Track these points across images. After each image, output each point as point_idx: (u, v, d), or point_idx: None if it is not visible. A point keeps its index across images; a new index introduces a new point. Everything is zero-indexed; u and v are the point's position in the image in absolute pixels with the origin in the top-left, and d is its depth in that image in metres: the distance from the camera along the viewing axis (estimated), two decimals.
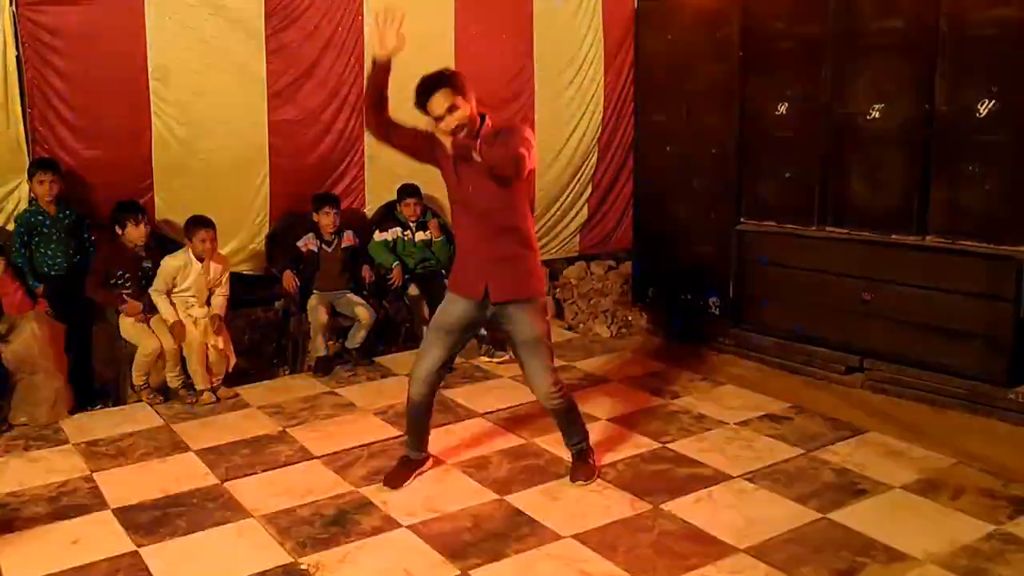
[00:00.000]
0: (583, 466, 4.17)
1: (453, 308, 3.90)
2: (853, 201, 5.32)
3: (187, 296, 5.28)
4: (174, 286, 5.25)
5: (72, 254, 5.24)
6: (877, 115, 5.15)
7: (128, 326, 5.22)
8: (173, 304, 5.26)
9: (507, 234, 3.78)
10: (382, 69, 3.68)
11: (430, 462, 4.27)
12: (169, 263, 5.20)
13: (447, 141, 3.63)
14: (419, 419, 4.11)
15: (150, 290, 5.21)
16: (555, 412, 4.04)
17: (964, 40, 4.75)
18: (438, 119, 3.60)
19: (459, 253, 3.95)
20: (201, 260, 5.25)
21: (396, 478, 4.13)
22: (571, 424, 4.12)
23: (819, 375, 5.50)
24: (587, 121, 7.00)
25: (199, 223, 5.22)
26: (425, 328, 5.73)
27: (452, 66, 6.24)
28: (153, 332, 5.20)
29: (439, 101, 3.58)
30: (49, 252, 5.15)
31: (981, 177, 4.76)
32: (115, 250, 5.25)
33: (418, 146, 3.86)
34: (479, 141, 3.61)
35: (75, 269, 5.26)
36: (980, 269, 4.77)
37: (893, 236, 5.14)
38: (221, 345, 5.29)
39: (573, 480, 4.13)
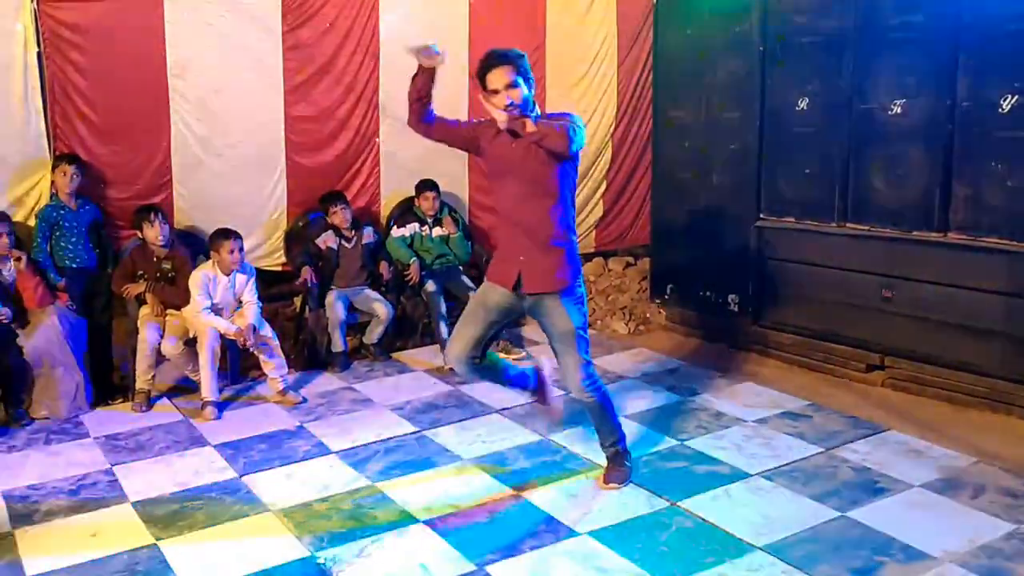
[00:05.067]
0: (617, 469, 4.09)
1: (491, 293, 3.85)
2: (874, 197, 5.28)
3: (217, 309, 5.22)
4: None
5: (92, 248, 5.28)
6: (899, 110, 5.10)
7: (144, 316, 5.23)
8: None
9: (545, 224, 3.73)
10: (426, 75, 3.68)
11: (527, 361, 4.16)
12: (197, 276, 5.12)
13: (500, 117, 3.58)
14: (491, 378, 4.05)
15: (200, 313, 5.06)
16: (589, 409, 3.99)
17: (986, 35, 4.69)
18: (494, 92, 3.59)
19: (499, 242, 3.93)
20: (227, 273, 5.20)
21: (542, 400, 4.16)
22: (604, 422, 4.04)
23: (839, 373, 5.46)
24: (600, 116, 6.98)
25: (225, 235, 5.16)
26: (443, 324, 5.78)
27: (466, 62, 6.33)
28: (161, 328, 5.19)
29: (500, 75, 3.59)
30: (69, 246, 5.19)
31: (1004, 173, 4.70)
32: (140, 250, 5.30)
33: (460, 135, 3.86)
34: (531, 117, 3.62)
35: (95, 263, 5.30)
36: (1002, 266, 4.72)
37: (914, 233, 5.09)
38: (271, 358, 5.26)
39: (606, 482, 4.05)
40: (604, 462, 4.19)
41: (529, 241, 3.74)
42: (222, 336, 5.13)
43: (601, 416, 4.02)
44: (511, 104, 3.58)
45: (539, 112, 3.74)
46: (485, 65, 3.62)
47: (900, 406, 4.98)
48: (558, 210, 3.74)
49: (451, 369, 5.59)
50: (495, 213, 3.91)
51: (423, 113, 3.76)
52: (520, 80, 3.61)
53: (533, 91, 3.69)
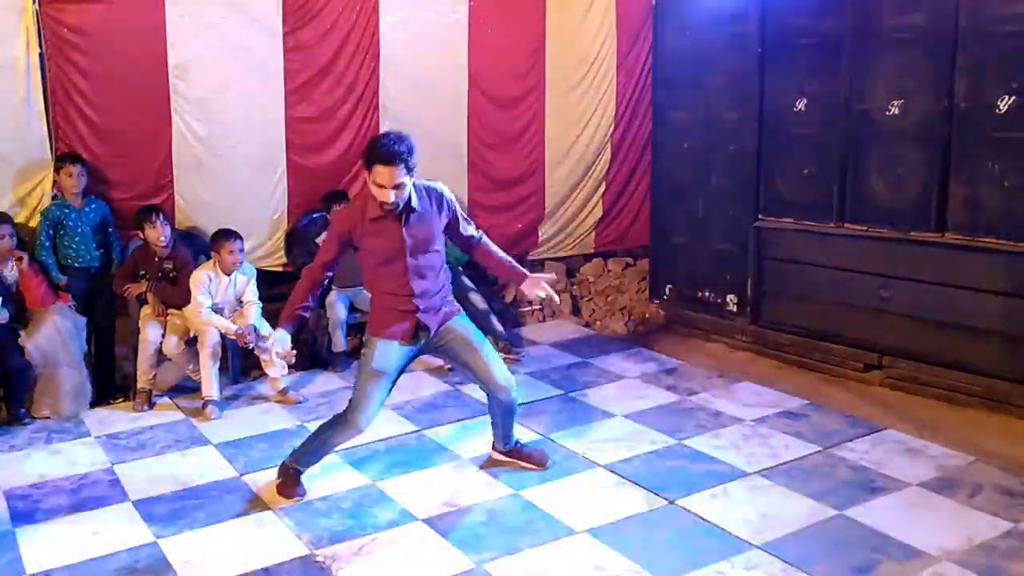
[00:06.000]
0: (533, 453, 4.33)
1: (389, 352, 3.89)
2: (872, 198, 5.29)
3: (217, 309, 5.24)
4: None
5: (96, 248, 5.31)
6: (896, 111, 5.11)
7: (145, 316, 5.25)
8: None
9: (437, 281, 3.92)
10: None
11: None
12: (199, 276, 5.15)
13: (380, 201, 3.68)
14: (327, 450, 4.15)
15: (202, 312, 5.10)
16: (509, 402, 4.12)
17: (984, 36, 4.71)
18: (379, 187, 3.63)
19: (383, 304, 3.92)
20: (228, 274, 5.22)
21: (289, 489, 4.08)
22: (512, 417, 4.25)
23: (837, 372, 5.48)
24: (599, 118, 7.00)
25: (226, 236, 5.18)
26: None
27: (465, 63, 6.35)
28: (162, 328, 5.21)
29: (387, 175, 3.59)
30: (73, 246, 5.21)
31: (1001, 174, 4.71)
32: (141, 250, 5.32)
33: (338, 255, 3.91)
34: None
35: (99, 263, 5.32)
36: (999, 266, 4.74)
37: (912, 233, 5.10)
38: (270, 357, 5.27)
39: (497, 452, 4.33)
40: (603, 461, 4.29)
41: (423, 300, 3.87)
42: (223, 336, 5.15)
43: (513, 417, 4.23)
44: (394, 203, 3.66)
45: (412, 193, 3.78)
46: (374, 157, 3.61)
47: (898, 405, 4.99)
48: (443, 269, 3.97)
49: (450, 369, 5.67)
50: (380, 284, 3.94)
51: (319, 291, 3.99)
52: (405, 178, 3.64)
53: (413, 176, 3.72)
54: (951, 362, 4.97)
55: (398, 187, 3.62)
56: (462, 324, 4.03)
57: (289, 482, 4.08)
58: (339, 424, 3.97)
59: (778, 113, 5.73)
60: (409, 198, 3.74)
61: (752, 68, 5.83)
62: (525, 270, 4.12)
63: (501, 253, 4.13)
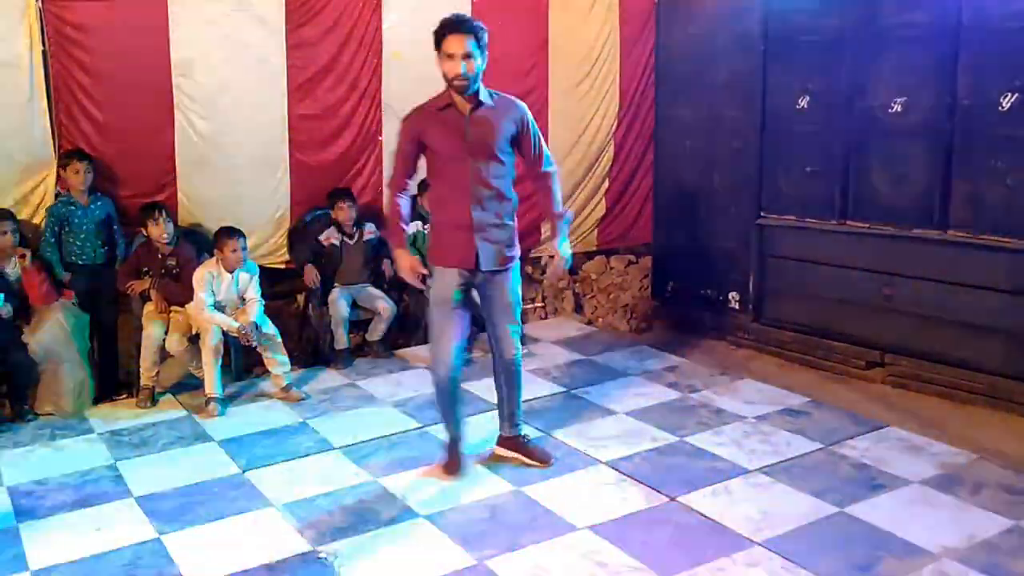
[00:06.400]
0: (536, 447, 4.31)
1: (448, 278, 3.91)
2: (874, 195, 5.29)
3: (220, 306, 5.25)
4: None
5: (101, 245, 5.32)
6: (899, 109, 5.11)
7: (148, 313, 5.26)
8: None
9: (496, 202, 3.87)
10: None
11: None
12: (201, 273, 5.15)
13: (451, 75, 3.69)
14: (452, 407, 4.13)
15: (204, 310, 5.09)
16: (513, 374, 4.14)
17: (987, 33, 4.70)
18: (449, 57, 3.67)
19: (444, 225, 3.95)
20: (230, 271, 5.23)
21: (454, 465, 4.18)
22: (519, 389, 4.24)
23: (839, 369, 5.48)
24: (602, 115, 6.99)
25: (228, 233, 5.19)
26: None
27: None
28: (165, 325, 5.22)
29: (458, 43, 3.66)
30: (78, 243, 5.23)
31: (1004, 171, 4.71)
32: (145, 247, 5.33)
33: (415, 157, 3.95)
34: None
35: (103, 260, 5.34)
36: (1002, 263, 4.73)
37: (915, 230, 5.10)
38: (274, 355, 5.29)
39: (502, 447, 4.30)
40: (604, 458, 4.30)
41: (484, 218, 3.85)
42: (225, 333, 5.16)
43: (518, 384, 4.20)
44: (464, 76, 3.66)
45: (483, 88, 3.82)
46: (445, 28, 3.68)
47: (900, 403, 4.99)
48: (507, 190, 3.91)
49: None
50: (443, 191, 3.95)
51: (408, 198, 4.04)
52: (476, 52, 3.68)
53: (485, 64, 3.76)
54: (953, 359, 4.97)
55: (468, 57, 3.63)
56: (513, 278, 3.99)
57: (445, 459, 4.20)
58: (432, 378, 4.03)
59: (780, 110, 5.72)
60: (478, 91, 3.77)
61: (755, 65, 5.82)
62: (562, 231, 4.01)
63: (555, 197, 4.02)
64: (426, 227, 6.07)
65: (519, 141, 3.91)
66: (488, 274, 3.93)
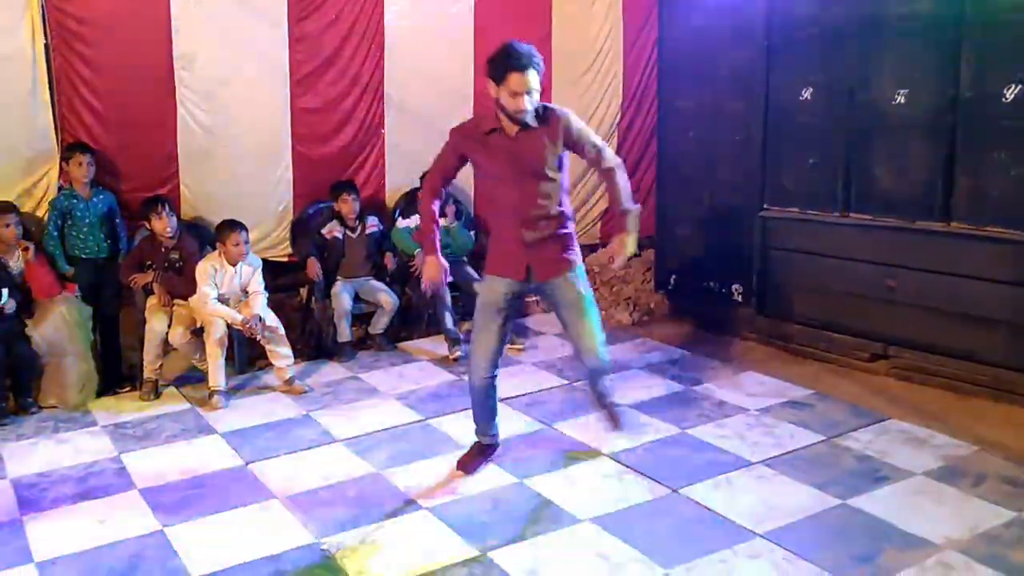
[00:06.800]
0: (618, 417, 4.08)
1: (498, 286, 3.88)
2: (877, 187, 5.28)
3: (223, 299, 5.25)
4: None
5: (104, 238, 5.32)
6: (902, 101, 5.09)
7: (151, 306, 5.27)
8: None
9: (551, 214, 3.79)
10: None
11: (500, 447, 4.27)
12: (204, 267, 5.16)
13: (515, 110, 3.62)
14: (488, 407, 4.11)
15: (208, 303, 5.11)
16: (603, 372, 3.94)
17: (990, 25, 4.68)
18: (514, 94, 3.59)
19: (497, 239, 3.94)
20: (233, 264, 5.24)
21: (470, 463, 4.16)
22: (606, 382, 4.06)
23: (842, 362, 5.48)
24: (605, 108, 6.99)
25: (231, 226, 5.20)
26: (448, 315, 5.82)
27: (471, 53, 6.34)
28: (168, 318, 5.23)
29: (524, 82, 3.57)
30: (81, 236, 5.23)
31: (1007, 163, 4.69)
32: (148, 240, 5.34)
33: (454, 170, 3.95)
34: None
35: (106, 253, 5.34)
36: (1005, 255, 4.72)
37: (918, 222, 5.09)
38: (277, 348, 5.29)
39: (619, 428, 4.08)
40: (607, 450, 4.31)
41: (534, 234, 3.78)
42: (229, 326, 5.17)
43: (598, 379, 3.98)
44: (528, 110, 3.61)
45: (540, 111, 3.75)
46: (510, 64, 3.56)
47: (903, 395, 4.99)
48: (558, 205, 3.81)
49: (455, 359, 5.68)
50: (494, 209, 3.94)
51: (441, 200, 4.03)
52: (537, 84, 3.62)
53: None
54: (957, 352, 4.96)
55: (530, 92, 3.60)
56: (574, 278, 3.84)
57: (468, 455, 4.19)
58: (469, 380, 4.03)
59: (783, 103, 5.71)
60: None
61: (758, 58, 5.80)
62: (630, 224, 3.78)
63: (622, 191, 3.82)
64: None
65: (573, 148, 3.82)
66: (546, 283, 3.86)
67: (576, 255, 3.88)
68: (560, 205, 3.83)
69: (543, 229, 3.79)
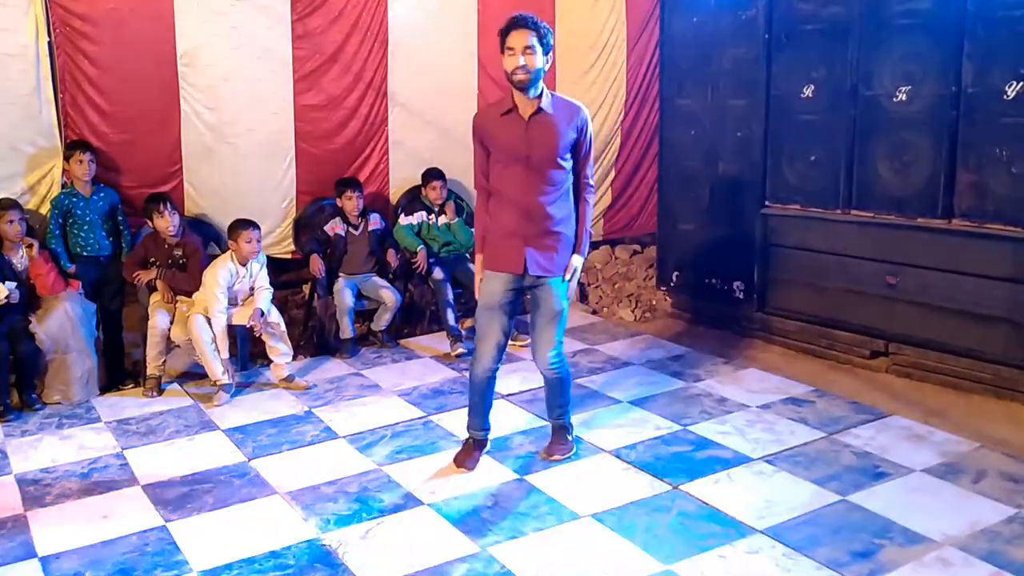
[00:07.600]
0: (561, 443, 4.29)
1: (498, 283, 3.92)
2: (879, 184, 5.28)
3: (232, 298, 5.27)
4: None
5: (106, 235, 5.34)
6: (903, 97, 5.10)
7: (155, 303, 5.29)
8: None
9: (551, 209, 3.84)
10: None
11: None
12: (217, 272, 5.15)
13: (511, 70, 3.67)
14: (486, 394, 4.15)
15: (220, 315, 5.11)
16: (549, 383, 4.15)
17: (992, 21, 4.68)
18: (510, 50, 3.66)
19: (498, 230, 3.94)
20: (244, 263, 5.25)
21: (468, 459, 4.19)
22: (558, 396, 4.21)
23: (843, 359, 5.49)
24: (609, 105, 7.00)
25: (244, 225, 5.21)
26: (450, 312, 5.84)
27: (475, 48, 6.35)
28: (171, 315, 5.25)
29: (520, 37, 3.63)
30: (82, 235, 5.25)
31: (1008, 160, 4.69)
32: (151, 237, 5.35)
33: (487, 151, 3.95)
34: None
35: (108, 251, 5.36)
36: (1006, 253, 4.72)
37: (919, 219, 5.09)
38: (277, 344, 5.31)
39: (549, 455, 4.25)
40: (608, 446, 4.31)
41: (534, 227, 3.82)
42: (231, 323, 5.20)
43: (559, 390, 4.16)
44: (523, 67, 3.64)
45: (546, 91, 3.80)
46: (508, 25, 3.69)
47: (903, 392, 5.00)
48: (564, 197, 3.88)
49: (457, 356, 5.70)
50: (497, 199, 3.95)
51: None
52: (538, 47, 3.66)
53: (548, 64, 3.75)
54: (957, 349, 4.97)
55: (528, 50, 3.63)
56: (557, 290, 3.92)
57: (465, 452, 4.21)
58: (470, 372, 4.08)
59: (785, 100, 5.71)
60: (541, 95, 3.76)
61: (759, 54, 5.80)
62: (584, 248, 4.02)
63: (586, 219, 3.98)
64: (430, 217, 6.10)
65: (573, 147, 3.87)
66: (537, 280, 3.91)
67: (566, 262, 3.94)
68: (563, 201, 3.88)
69: (545, 219, 3.83)
